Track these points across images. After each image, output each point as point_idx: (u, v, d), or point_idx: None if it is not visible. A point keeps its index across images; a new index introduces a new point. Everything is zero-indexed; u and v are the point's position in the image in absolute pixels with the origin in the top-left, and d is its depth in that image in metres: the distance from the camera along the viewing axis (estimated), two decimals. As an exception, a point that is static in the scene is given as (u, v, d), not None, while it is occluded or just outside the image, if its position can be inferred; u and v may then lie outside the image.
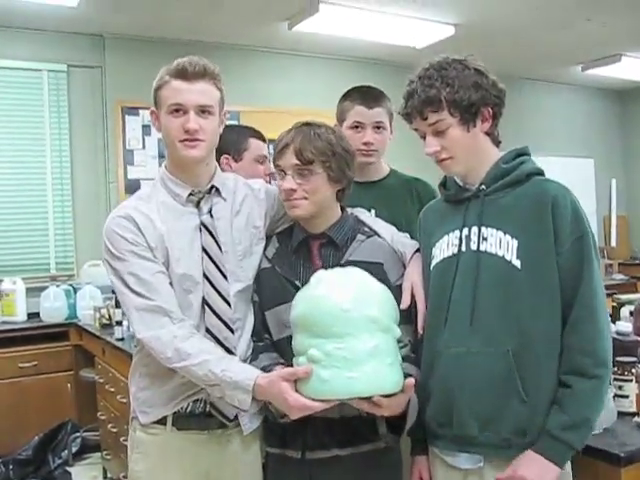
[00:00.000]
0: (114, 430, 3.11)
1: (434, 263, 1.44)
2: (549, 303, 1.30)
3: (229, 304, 1.50)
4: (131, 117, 4.52)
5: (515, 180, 1.36)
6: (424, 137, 1.40)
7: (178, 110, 1.45)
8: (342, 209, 1.57)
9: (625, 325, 1.70)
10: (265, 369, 1.41)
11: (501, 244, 1.33)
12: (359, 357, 1.26)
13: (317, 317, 1.28)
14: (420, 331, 1.46)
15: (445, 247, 1.42)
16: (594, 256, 1.30)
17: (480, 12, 4.36)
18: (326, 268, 1.43)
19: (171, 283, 1.47)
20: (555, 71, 6.10)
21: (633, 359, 1.60)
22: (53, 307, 4.01)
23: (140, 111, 4.47)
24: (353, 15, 4.20)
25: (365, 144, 1.85)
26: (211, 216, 1.53)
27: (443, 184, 1.50)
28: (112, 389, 3.16)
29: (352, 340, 1.26)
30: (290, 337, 1.39)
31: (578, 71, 6.01)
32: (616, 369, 1.55)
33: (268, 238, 1.61)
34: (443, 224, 1.45)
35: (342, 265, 1.45)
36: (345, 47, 4.96)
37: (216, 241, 1.51)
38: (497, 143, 1.43)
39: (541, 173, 1.39)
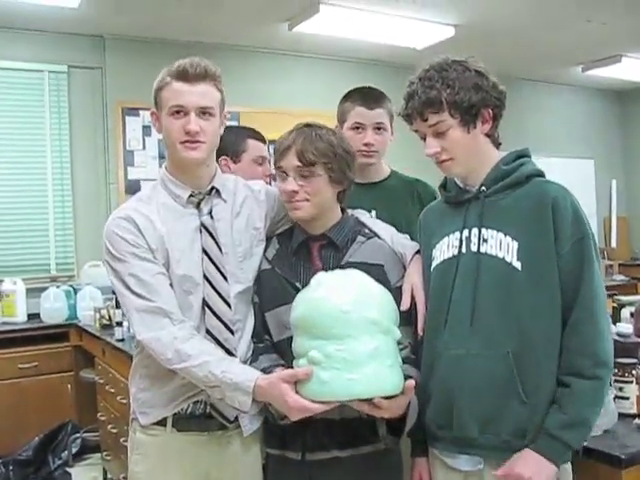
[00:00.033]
0: (114, 431, 3.11)
1: (434, 264, 1.44)
2: (549, 305, 1.30)
3: (229, 305, 1.50)
4: (131, 118, 4.52)
5: (515, 182, 1.36)
6: (424, 138, 1.40)
7: (179, 112, 1.45)
8: (342, 210, 1.57)
9: (626, 326, 1.70)
10: (265, 370, 1.41)
11: (501, 246, 1.33)
12: (359, 359, 1.26)
13: (317, 319, 1.28)
14: (420, 333, 1.46)
15: (445, 248, 1.42)
16: (594, 257, 1.30)
17: (480, 13, 4.36)
18: (326, 269, 1.43)
19: (171, 284, 1.47)
20: (555, 72, 6.10)
21: (634, 361, 1.60)
22: (53, 308, 4.01)
23: (140, 112, 4.47)
24: (353, 16, 4.20)
25: (366, 145, 1.85)
26: (211, 217, 1.53)
27: (443, 185, 1.50)
28: (112, 390, 3.16)
29: (352, 342, 1.26)
30: (290, 338, 1.39)
31: (578, 72, 6.01)
32: (617, 371, 1.55)
33: (268, 239, 1.61)
34: (443, 225, 1.45)
35: (342, 266, 1.45)
36: (345, 48, 4.96)
37: (216, 242, 1.51)
38: (497, 145, 1.43)
39: (541, 174, 1.39)
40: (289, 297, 1.42)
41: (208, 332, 1.48)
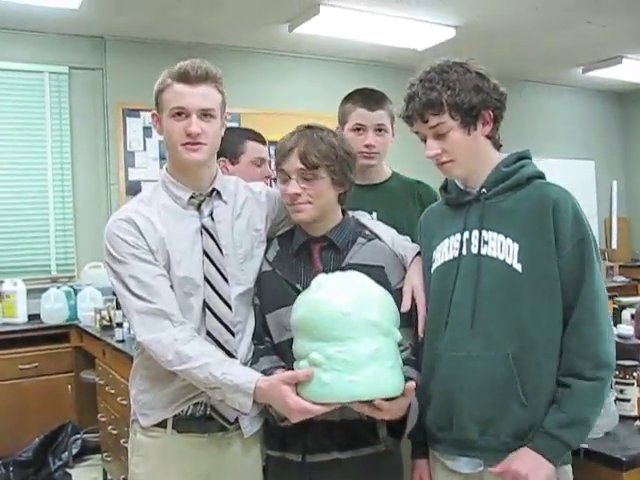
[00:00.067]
0: (114, 432, 3.11)
1: (435, 266, 1.44)
2: (550, 307, 1.30)
3: (230, 307, 1.50)
4: (132, 119, 4.52)
5: (516, 183, 1.36)
6: (425, 140, 1.40)
7: (180, 113, 1.45)
8: (343, 212, 1.57)
9: (626, 328, 1.70)
10: (266, 372, 1.41)
11: (502, 248, 1.33)
12: (360, 360, 1.26)
13: (317, 321, 1.29)
14: (421, 334, 1.46)
15: (446, 250, 1.42)
16: (595, 259, 1.30)
17: (481, 14, 4.36)
18: (327, 271, 1.43)
19: (172, 286, 1.46)
20: (556, 73, 6.10)
21: (634, 363, 1.60)
22: (54, 308, 4.00)
23: (141, 113, 4.47)
24: (353, 17, 4.20)
25: (367, 146, 1.85)
26: (212, 219, 1.53)
27: (444, 187, 1.50)
28: (112, 391, 3.16)
29: (353, 343, 1.26)
30: (291, 340, 1.39)
31: (579, 73, 6.02)
32: (617, 373, 1.55)
33: (269, 241, 1.61)
34: (444, 227, 1.45)
35: (343, 268, 1.45)
36: (346, 49, 4.96)
37: (217, 244, 1.51)
38: (498, 146, 1.43)
39: (542, 176, 1.39)
40: (290, 299, 1.42)
41: (209, 334, 1.48)
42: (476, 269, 1.34)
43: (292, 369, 1.34)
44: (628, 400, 1.58)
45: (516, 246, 1.31)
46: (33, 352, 3.81)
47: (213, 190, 1.55)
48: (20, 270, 4.22)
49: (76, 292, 4.10)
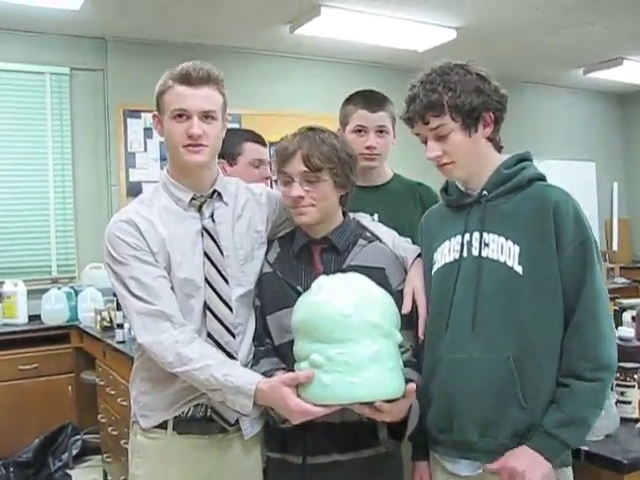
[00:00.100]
0: (114, 433, 3.11)
1: (435, 268, 1.44)
2: (551, 309, 1.30)
3: (230, 309, 1.50)
4: (133, 120, 4.52)
5: (517, 186, 1.36)
6: (425, 142, 1.40)
7: (182, 115, 1.45)
8: (344, 214, 1.57)
9: (627, 330, 1.70)
10: (266, 374, 1.41)
11: (503, 250, 1.32)
12: (360, 362, 1.26)
13: (318, 322, 1.29)
14: (421, 336, 1.46)
15: (446, 252, 1.42)
16: (596, 261, 1.30)
17: (481, 15, 4.37)
18: (327, 273, 1.43)
19: (172, 288, 1.46)
20: (557, 74, 6.10)
21: (636, 365, 1.60)
22: (54, 309, 4.00)
23: (142, 114, 4.47)
24: (354, 18, 4.20)
25: (368, 148, 1.85)
26: (213, 221, 1.53)
27: (445, 189, 1.50)
28: (113, 392, 3.16)
29: (354, 345, 1.26)
30: (291, 342, 1.39)
31: (580, 74, 6.02)
32: (618, 375, 1.55)
33: (270, 242, 1.61)
34: (445, 229, 1.45)
35: (344, 270, 1.45)
36: (346, 50, 4.96)
37: (218, 246, 1.51)
38: (499, 148, 1.43)
39: (543, 178, 1.39)
40: (290, 300, 1.42)
41: (209, 335, 1.48)
42: (477, 271, 1.34)
43: (293, 371, 1.34)
44: (629, 402, 1.57)
45: (517, 248, 1.31)
46: (33, 353, 3.81)
47: (214, 192, 1.55)
48: (21, 271, 4.22)
49: (77, 293, 4.10)
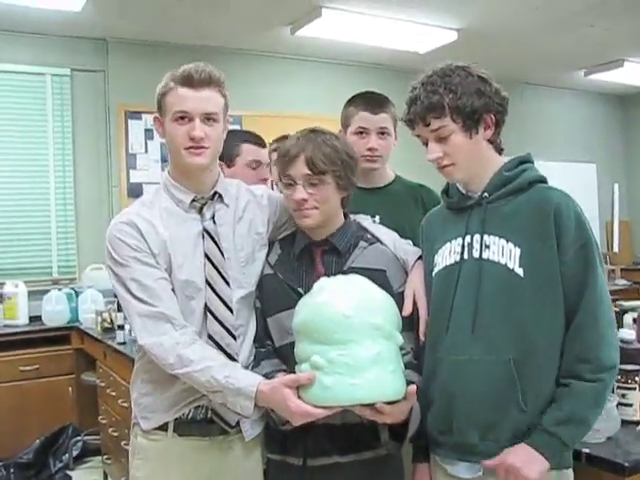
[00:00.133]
0: (115, 434, 3.11)
1: (436, 270, 1.44)
2: (551, 311, 1.29)
3: (231, 310, 1.50)
4: (134, 121, 4.53)
5: (518, 188, 1.36)
6: (426, 143, 1.40)
7: (183, 117, 1.45)
8: (345, 216, 1.57)
9: (628, 333, 1.70)
10: (267, 376, 1.41)
11: (504, 252, 1.32)
12: (361, 364, 1.26)
13: (319, 324, 1.29)
14: (422, 338, 1.46)
15: (447, 254, 1.42)
16: (598, 262, 1.30)
17: (482, 17, 4.37)
18: (329, 275, 1.43)
19: (173, 289, 1.46)
20: (557, 76, 6.10)
21: (637, 367, 1.59)
22: (55, 310, 4.00)
23: (143, 115, 4.48)
24: (355, 20, 4.20)
25: (369, 150, 1.85)
26: (214, 222, 1.53)
27: (445, 191, 1.50)
28: (113, 393, 3.16)
29: (355, 347, 1.26)
30: (292, 343, 1.39)
31: (581, 76, 6.02)
32: (619, 377, 1.54)
33: (270, 244, 1.61)
34: (445, 231, 1.45)
35: (345, 272, 1.45)
36: (348, 52, 4.97)
37: (219, 247, 1.51)
38: (499, 150, 1.43)
39: (544, 181, 1.39)
40: (291, 302, 1.42)
41: (210, 337, 1.48)
42: (477, 273, 1.34)
43: (293, 372, 1.34)
44: (630, 405, 1.57)
45: (518, 250, 1.31)
46: (34, 354, 3.81)
47: (215, 193, 1.55)
48: (21, 272, 4.22)
49: (77, 294, 4.10)
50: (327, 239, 1.52)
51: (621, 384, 1.57)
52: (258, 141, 2.10)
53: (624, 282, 5.79)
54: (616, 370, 1.31)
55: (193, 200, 1.52)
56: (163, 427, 1.50)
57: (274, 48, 4.86)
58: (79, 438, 3.78)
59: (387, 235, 1.60)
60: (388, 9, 4.09)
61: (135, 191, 4.38)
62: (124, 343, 3.11)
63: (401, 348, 1.36)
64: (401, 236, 1.62)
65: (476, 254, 1.36)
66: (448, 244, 1.42)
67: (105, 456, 3.41)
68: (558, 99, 6.56)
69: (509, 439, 1.29)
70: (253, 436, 1.53)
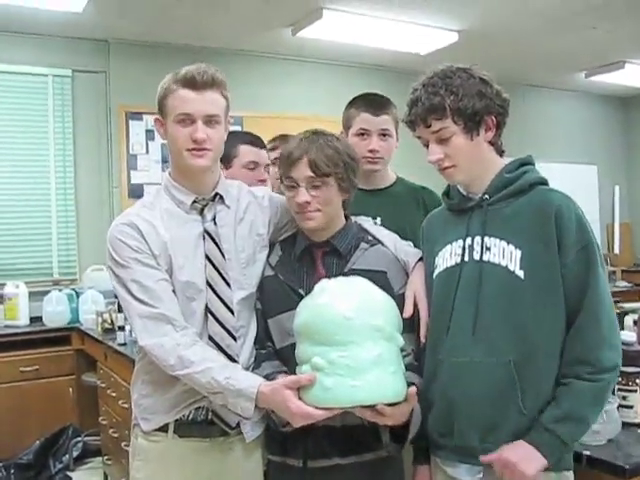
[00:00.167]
0: (115, 435, 3.11)
1: (437, 272, 1.44)
2: (552, 313, 1.29)
3: (232, 312, 1.50)
4: (135, 122, 4.53)
5: (518, 190, 1.36)
6: (427, 145, 1.40)
7: (185, 119, 1.45)
8: (346, 217, 1.57)
9: (629, 335, 1.70)
10: (268, 377, 1.40)
11: (504, 254, 1.32)
12: (362, 365, 1.26)
13: (320, 325, 1.29)
14: (423, 340, 1.46)
15: (448, 256, 1.41)
16: (600, 264, 1.30)
17: (484, 19, 4.37)
18: (329, 276, 1.43)
19: (174, 291, 1.46)
20: (559, 78, 6.10)
21: (638, 369, 1.59)
22: (55, 311, 4.00)
23: (144, 116, 4.48)
24: (357, 21, 4.21)
25: (371, 151, 1.85)
26: (215, 224, 1.53)
27: (446, 193, 1.50)
28: (114, 394, 3.16)
29: (355, 348, 1.26)
30: (293, 345, 1.39)
31: (581, 78, 6.02)
32: (620, 379, 1.54)
33: (271, 246, 1.61)
34: (446, 233, 1.45)
35: (345, 273, 1.45)
36: (348, 53, 4.97)
37: (219, 249, 1.51)
38: (500, 153, 1.43)
39: (545, 183, 1.38)
40: (292, 303, 1.42)
41: (211, 338, 1.48)
42: (478, 275, 1.34)
43: (294, 374, 1.34)
44: (631, 407, 1.57)
45: (518, 252, 1.31)
46: (34, 355, 3.81)
47: (216, 195, 1.55)
48: (22, 273, 4.22)
49: (78, 295, 4.10)
50: (328, 241, 1.52)
51: (622, 386, 1.57)
52: (256, 142, 2.09)
53: (625, 284, 5.79)
54: (618, 371, 1.30)
55: (194, 201, 1.52)
56: (163, 428, 1.50)
57: (275, 49, 4.86)
58: (79, 439, 3.78)
59: (388, 237, 1.60)
60: (389, 10, 4.09)
61: (136, 192, 4.38)
62: (125, 344, 3.11)
63: (402, 350, 1.36)
64: (402, 238, 1.62)
65: (477, 256, 1.36)
66: (449, 246, 1.42)
67: (105, 457, 3.41)
68: (559, 101, 6.56)
69: (509, 441, 1.28)
70: (253, 437, 1.53)
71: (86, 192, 4.48)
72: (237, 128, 4.05)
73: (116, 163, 4.52)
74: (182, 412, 1.49)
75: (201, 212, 1.53)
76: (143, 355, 1.52)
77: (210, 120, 1.46)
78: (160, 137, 1.54)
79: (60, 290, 4.14)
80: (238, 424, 1.50)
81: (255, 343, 1.55)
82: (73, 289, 4.19)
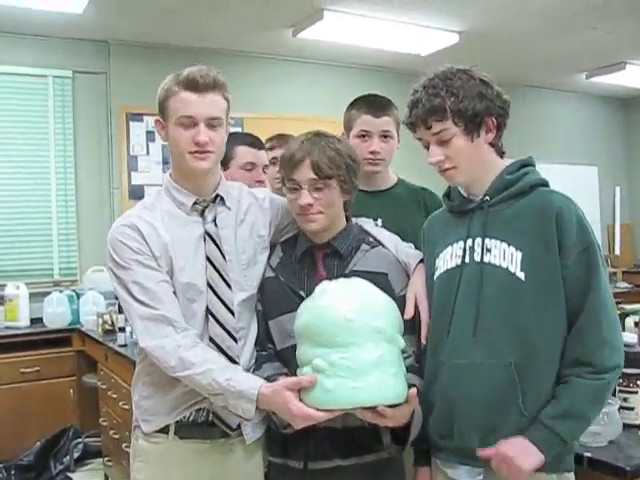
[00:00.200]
0: (116, 436, 3.11)
1: (438, 274, 1.44)
2: (553, 315, 1.29)
3: (233, 313, 1.50)
4: (135, 123, 4.53)
5: (519, 191, 1.36)
6: (427, 147, 1.40)
7: (187, 122, 1.44)
8: (347, 219, 1.57)
9: (630, 336, 1.69)
10: (269, 379, 1.40)
11: (505, 256, 1.32)
12: (363, 367, 1.25)
13: (321, 327, 1.29)
14: (423, 341, 1.46)
15: (449, 258, 1.41)
16: (601, 265, 1.30)
17: (484, 20, 4.37)
18: (330, 278, 1.43)
19: (175, 292, 1.46)
20: (559, 79, 6.10)
21: (639, 371, 1.59)
22: (56, 312, 4.01)
23: (144, 117, 4.48)
24: (357, 22, 4.21)
25: (372, 153, 1.85)
26: (215, 225, 1.53)
27: (447, 195, 1.50)
28: (114, 395, 3.16)
29: (356, 350, 1.26)
30: (293, 346, 1.39)
31: (582, 79, 6.02)
32: (621, 381, 1.54)
33: (272, 247, 1.61)
34: (447, 235, 1.45)
35: (346, 275, 1.45)
36: (349, 54, 4.97)
37: (220, 250, 1.51)
38: (501, 154, 1.43)
39: (545, 184, 1.38)
40: (293, 305, 1.42)
41: (211, 340, 1.48)
42: (479, 277, 1.34)
43: (295, 376, 1.34)
44: (632, 408, 1.57)
45: (519, 254, 1.31)
46: (35, 356, 3.81)
47: (217, 196, 1.55)
48: (23, 274, 4.23)
49: (79, 296, 4.10)
50: (329, 242, 1.52)
51: (623, 388, 1.57)
52: (254, 143, 2.08)
53: (625, 285, 5.79)
54: (619, 371, 1.30)
55: (195, 203, 1.52)
56: (164, 430, 1.50)
57: (276, 50, 4.87)
58: (80, 440, 3.78)
59: (389, 238, 1.60)
60: (390, 12, 4.09)
61: (136, 193, 4.39)
62: (125, 345, 3.11)
63: (403, 351, 1.36)
64: (403, 239, 1.62)
65: (477, 258, 1.36)
66: (450, 247, 1.42)
67: (106, 458, 3.41)
68: (560, 102, 6.56)
69: None
70: (254, 439, 1.53)
71: (86, 193, 4.49)
72: (237, 129, 4.05)
73: (116, 164, 4.52)
74: (183, 414, 1.49)
75: (202, 214, 1.53)
76: (144, 357, 1.52)
77: (212, 123, 1.46)
78: (161, 139, 1.54)
79: (61, 291, 4.14)
80: (239, 426, 1.49)
81: (256, 345, 1.55)
82: (74, 290, 4.20)
